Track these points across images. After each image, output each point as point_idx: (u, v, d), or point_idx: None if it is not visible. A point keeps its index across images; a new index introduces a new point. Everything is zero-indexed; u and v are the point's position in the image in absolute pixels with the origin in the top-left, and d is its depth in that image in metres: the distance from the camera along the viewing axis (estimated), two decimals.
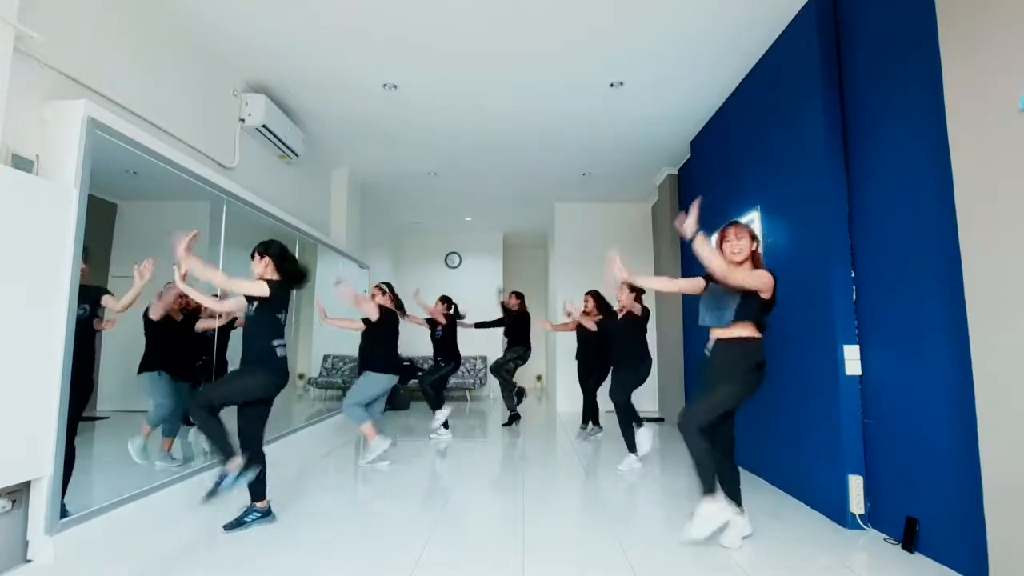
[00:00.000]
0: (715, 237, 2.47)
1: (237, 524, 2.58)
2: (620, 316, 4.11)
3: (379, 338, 4.08)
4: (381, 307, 4.10)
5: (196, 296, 2.80)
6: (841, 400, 2.74)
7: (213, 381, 2.73)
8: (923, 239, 2.36)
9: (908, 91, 2.45)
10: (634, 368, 3.98)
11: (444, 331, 5.14)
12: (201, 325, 3.26)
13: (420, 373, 5.48)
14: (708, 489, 2.37)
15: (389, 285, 4.36)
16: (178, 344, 3.15)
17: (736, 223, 2.50)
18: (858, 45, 2.83)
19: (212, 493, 2.51)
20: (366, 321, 4.08)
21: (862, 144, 2.78)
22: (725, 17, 3.25)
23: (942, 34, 2.15)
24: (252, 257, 2.74)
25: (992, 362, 1.93)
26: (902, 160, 2.49)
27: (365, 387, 3.99)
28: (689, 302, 5.43)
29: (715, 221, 4.50)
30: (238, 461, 2.55)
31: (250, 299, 2.67)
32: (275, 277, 2.69)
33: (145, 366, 2.99)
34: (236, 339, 3.29)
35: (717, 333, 2.45)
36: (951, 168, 2.11)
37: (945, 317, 2.22)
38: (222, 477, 2.52)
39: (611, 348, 4.26)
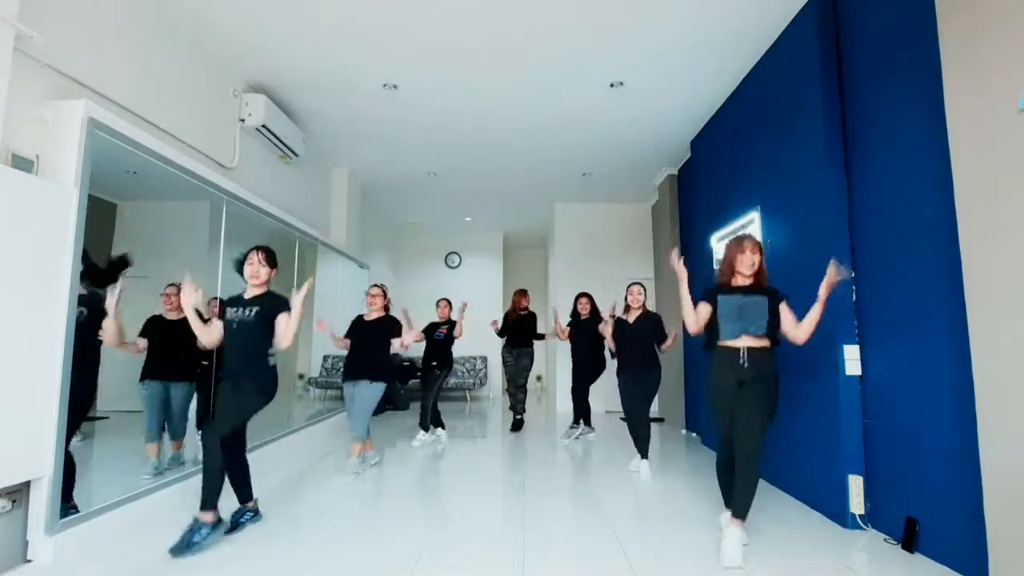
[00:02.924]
0: (724, 245, 2.52)
1: (234, 527, 2.56)
2: (634, 320, 3.90)
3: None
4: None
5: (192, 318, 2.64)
6: (841, 400, 2.74)
7: (221, 409, 2.55)
8: (923, 239, 2.36)
9: (908, 91, 2.45)
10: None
11: (447, 334, 4.98)
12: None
13: (417, 382, 5.18)
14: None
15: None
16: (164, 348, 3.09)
17: (752, 239, 2.52)
18: (858, 45, 2.83)
19: (186, 547, 2.31)
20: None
21: (862, 144, 2.78)
22: (725, 17, 3.25)
23: (942, 34, 2.15)
24: (265, 263, 2.66)
25: (992, 362, 1.93)
26: (902, 160, 2.49)
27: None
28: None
29: (715, 221, 4.52)
30: (212, 516, 2.42)
31: (257, 307, 2.60)
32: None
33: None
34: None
35: (750, 342, 2.42)
36: (951, 168, 2.11)
37: (945, 317, 2.22)
38: (197, 528, 2.37)
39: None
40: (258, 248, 2.71)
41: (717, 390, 2.45)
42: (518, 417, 5.64)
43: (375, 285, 4.12)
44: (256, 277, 2.65)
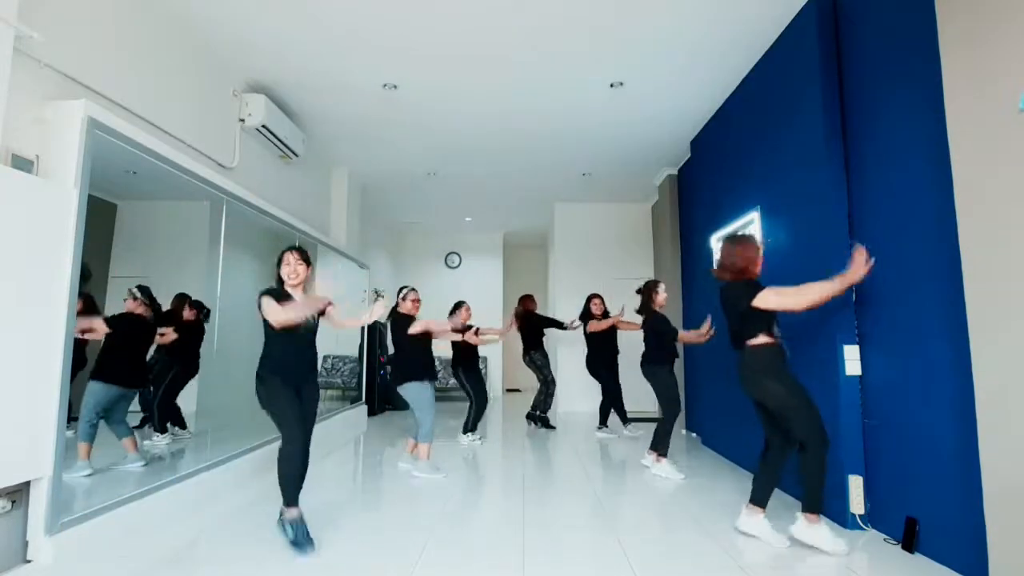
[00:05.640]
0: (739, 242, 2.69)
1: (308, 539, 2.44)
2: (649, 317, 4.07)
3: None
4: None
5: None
6: (841, 400, 2.74)
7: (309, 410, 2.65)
8: (923, 239, 2.36)
9: (908, 91, 2.45)
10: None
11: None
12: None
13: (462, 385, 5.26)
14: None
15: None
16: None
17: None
18: (858, 45, 2.83)
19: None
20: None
21: (862, 144, 2.78)
22: (725, 17, 3.25)
23: (942, 34, 2.15)
24: (302, 262, 2.67)
25: (992, 362, 1.93)
26: (902, 160, 2.49)
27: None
28: (689, 303, 5.43)
29: (715, 221, 4.52)
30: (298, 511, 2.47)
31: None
32: None
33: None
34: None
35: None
36: (951, 168, 2.11)
37: (945, 317, 2.22)
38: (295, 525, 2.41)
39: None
40: (293, 248, 2.73)
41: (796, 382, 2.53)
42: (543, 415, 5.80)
43: (413, 289, 4.04)
44: (296, 276, 2.66)
